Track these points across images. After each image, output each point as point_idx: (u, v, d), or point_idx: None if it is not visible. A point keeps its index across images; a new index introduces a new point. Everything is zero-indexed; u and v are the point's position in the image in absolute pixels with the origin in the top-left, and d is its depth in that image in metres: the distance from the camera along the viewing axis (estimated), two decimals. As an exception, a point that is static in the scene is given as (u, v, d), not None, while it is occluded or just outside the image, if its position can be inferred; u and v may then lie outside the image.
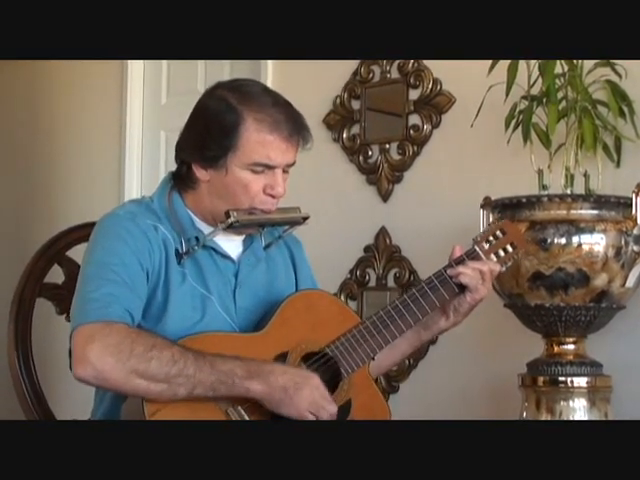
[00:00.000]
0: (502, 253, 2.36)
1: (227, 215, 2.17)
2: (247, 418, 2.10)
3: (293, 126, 2.19)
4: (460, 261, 2.32)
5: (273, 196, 2.20)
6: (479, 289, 2.29)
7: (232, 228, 2.19)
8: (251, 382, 2.07)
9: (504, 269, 2.39)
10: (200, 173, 2.21)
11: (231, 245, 2.28)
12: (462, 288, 2.30)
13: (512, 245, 2.37)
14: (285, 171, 2.21)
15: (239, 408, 2.10)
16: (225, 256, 2.26)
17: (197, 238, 2.21)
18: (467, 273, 2.28)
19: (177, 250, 2.20)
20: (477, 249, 2.34)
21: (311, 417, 2.11)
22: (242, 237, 2.30)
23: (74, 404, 2.51)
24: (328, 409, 2.12)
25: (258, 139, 2.16)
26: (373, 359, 2.28)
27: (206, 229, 2.24)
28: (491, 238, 2.36)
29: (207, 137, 2.18)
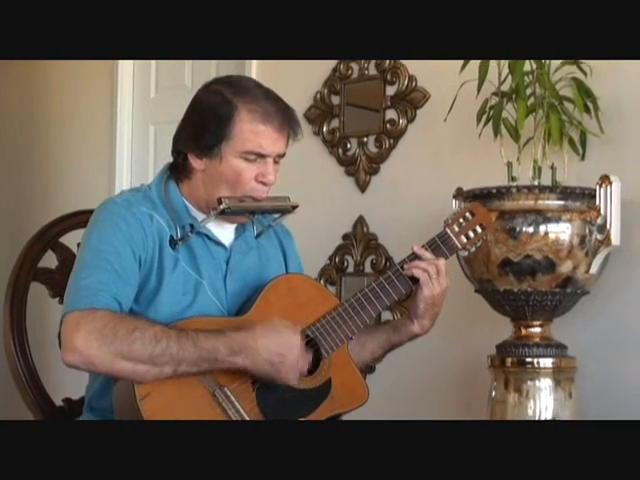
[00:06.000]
0: (472, 234, 2.36)
1: (219, 202, 2.17)
2: (233, 399, 2.09)
3: (284, 118, 2.20)
4: (430, 245, 2.32)
5: (265, 184, 2.20)
6: (428, 284, 2.27)
7: (224, 214, 2.19)
8: (236, 358, 2.07)
9: (474, 250, 2.40)
10: (196, 162, 2.21)
11: (224, 232, 2.27)
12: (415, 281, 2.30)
13: (481, 226, 2.37)
14: (276, 161, 2.22)
15: (225, 389, 2.10)
16: (218, 243, 2.26)
17: (192, 225, 2.21)
18: (418, 265, 2.28)
19: (172, 237, 2.20)
20: (448, 231, 2.34)
21: (297, 379, 2.13)
22: (234, 225, 2.29)
23: (68, 384, 2.50)
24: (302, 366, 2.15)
25: (251, 128, 2.17)
26: (352, 339, 2.28)
27: (200, 217, 2.23)
28: (461, 220, 2.36)
29: (203, 127, 2.19)
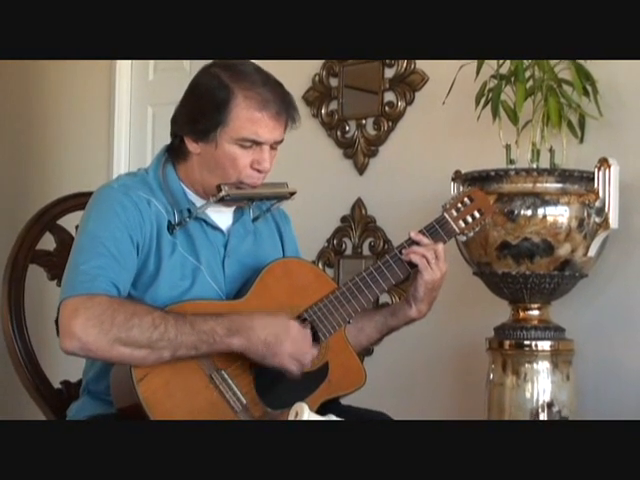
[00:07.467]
0: (470, 219, 2.34)
1: (219, 189, 2.15)
2: (230, 382, 2.09)
3: (281, 105, 2.17)
4: (428, 229, 2.30)
5: (260, 171, 2.17)
6: (427, 269, 2.25)
7: (223, 201, 2.17)
8: (232, 339, 2.05)
9: (472, 234, 2.38)
10: (192, 146, 2.19)
11: (221, 217, 2.25)
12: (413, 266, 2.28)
13: (479, 211, 2.35)
14: (273, 148, 2.19)
15: (222, 372, 2.09)
16: (215, 227, 2.24)
17: (189, 210, 2.19)
18: (416, 251, 2.26)
19: (170, 222, 2.18)
20: (446, 216, 2.32)
21: (294, 365, 2.10)
22: (232, 209, 2.27)
23: (66, 366, 2.48)
24: (311, 352, 2.12)
25: (247, 116, 2.13)
26: (349, 322, 2.27)
27: (197, 201, 2.22)
28: (459, 205, 2.34)
29: (199, 111, 2.16)
